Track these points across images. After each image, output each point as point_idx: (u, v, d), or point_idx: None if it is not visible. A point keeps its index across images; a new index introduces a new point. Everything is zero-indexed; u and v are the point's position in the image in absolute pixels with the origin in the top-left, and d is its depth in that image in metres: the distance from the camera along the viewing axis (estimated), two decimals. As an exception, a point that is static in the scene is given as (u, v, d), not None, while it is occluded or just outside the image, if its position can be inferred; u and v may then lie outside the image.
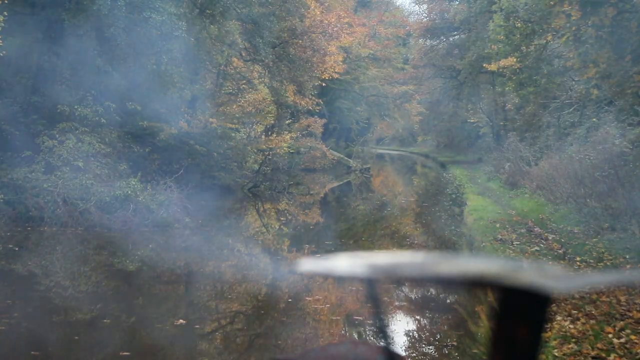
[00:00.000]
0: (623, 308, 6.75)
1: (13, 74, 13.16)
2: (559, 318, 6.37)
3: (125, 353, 6.52)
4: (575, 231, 11.35)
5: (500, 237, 11.14)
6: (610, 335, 5.78)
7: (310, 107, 27.83)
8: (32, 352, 6.42)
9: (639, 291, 7.28)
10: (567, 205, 13.14)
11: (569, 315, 6.52)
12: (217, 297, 9.21)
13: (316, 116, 30.47)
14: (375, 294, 0.97)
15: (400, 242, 13.85)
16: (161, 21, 13.75)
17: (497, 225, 12.52)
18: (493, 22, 23.43)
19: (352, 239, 13.99)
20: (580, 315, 6.50)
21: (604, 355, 5.27)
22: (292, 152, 23.99)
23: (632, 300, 6.98)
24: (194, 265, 10.98)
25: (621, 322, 6.16)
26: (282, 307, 8.60)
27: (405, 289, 9.95)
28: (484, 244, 10.90)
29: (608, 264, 8.79)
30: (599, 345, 5.46)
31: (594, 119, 15.12)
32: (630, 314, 6.50)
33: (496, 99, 29.55)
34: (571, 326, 6.09)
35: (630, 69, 12.99)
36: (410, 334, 8.03)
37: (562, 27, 14.60)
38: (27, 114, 13.89)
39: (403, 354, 6.74)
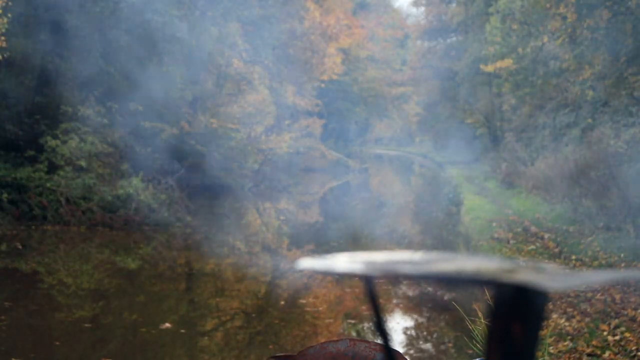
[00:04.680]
0: (618, 306, 6.87)
1: (17, 74, 13.30)
2: (554, 316, 6.49)
3: (125, 350, 6.62)
4: (571, 230, 11.50)
5: (496, 236, 11.29)
6: (605, 333, 5.88)
7: (309, 108, 27.95)
8: (31, 354, 6.43)
9: (634, 289, 7.42)
10: (562, 204, 13.30)
11: (565, 312, 6.64)
12: (216, 295, 9.29)
13: (315, 116, 30.58)
14: (374, 291, 1.03)
15: (398, 241, 13.96)
16: (163, 23, 13.89)
17: (494, 224, 12.67)
18: (490, 24, 23.61)
19: (351, 237, 14.09)
20: (575, 313, 6.62)
21: (599, 352, 5.36)
22: (291, 152, 24.08)
23: (626, 299, 7.10)
24: (194, 264, 11.10)
25: (616, 320, 6.27)
26: (281, 305, 8.68)
27: (404, 287, 10.05)
28: (480, 242, 11.05)
29: (603, 262, 8.93)
30: (594, 343, 5.56)
31: (589, 120, 15.27)
32: (625, 312, 6.61)
33: (493, 100, 29.68)
34: (566, 324, 6.20)
35: (625, 70, 13.16)
36: (408, 331, 8.12)
37: (558, 29, 14.78)
38: (31, 114, 14.01)
39: (401, 351, 6.84)
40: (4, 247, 11.01)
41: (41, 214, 12.75)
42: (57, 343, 6.78)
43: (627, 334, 5.78)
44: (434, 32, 37.22)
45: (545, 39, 16.42)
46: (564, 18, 14.21)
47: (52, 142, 13.56)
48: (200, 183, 16.77)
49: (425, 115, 44.06)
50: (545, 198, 14.55)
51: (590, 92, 14.87)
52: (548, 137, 18.15)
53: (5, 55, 11.78)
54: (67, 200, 12.95)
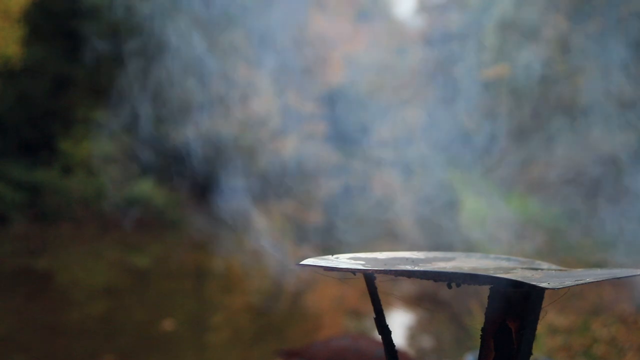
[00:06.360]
0: (612, 303, 7.07)
1: (32, 79, 13.64)
2: (549, 313, 6.73)
3: (132, 346, 6.75)
4: (570, 230, 11.66)
5: (495, 236, 11.50)
6: (598, 330, 6.08)
7: (311, 111, 28.09)
8: (39, 351, 6.45)
9: (627, 286, 7.64)
10: (562, 204, 13.44)
11: (559, 309, 6.85)
12: (221, 293, 9.50)
13: (317, 119, 30.64)
14: (375, 289, 1.08)
15: (398, 240, 14.10)
16: (172, 29, 14.16)
17: (493, 224, 12.85)
18: (489, 27, 23.81)
19: (352, 237, 14.26)
20: (570, 310, 6.82)
21: (592, 348, 5.60)
22: (294, 155, 24.25)
23: (619, 296, 7.31)
24: (200, 262, 11.33)
25: (609, 317, 6.48)
26: (284, 303, 8.82)
27: (404, 286, 10.18)
28: (479, 242, 11.25)
29: (602, 262, 9.11)
30: (587, 339, 5.78)
31: (585, 123, 15.46)
32: (618, 309, 6.81)
33: (492, 101, 29.80)
34: (561, 320, 6.41)
35: (621, 74, 13.44)
36: (408, 329, 8.25)
37: (555, 34, 14.98)
38: (45, 118, 14.34)
39: (401, 347, 6.99)
40: (18, 246, 11.29)
41: (54, 214, 13.08)
42: (63, 343, 6.75)
43: (620, 331, 5.97)
44: (434, 37, 37.41)
45: (542, 43, 16.66)
46: (562, 22, 14.41)
47: (65, 145, 13.89)
48: (206, 184, 16.98)
49: (425, 117, 44.08)
50: (545, 198, 14.72)
51: (589, 93, 15.05)
52: (544, 139, 18.29)
53: (20, 60, 12.10)
54: (80, 201, 13.28)
